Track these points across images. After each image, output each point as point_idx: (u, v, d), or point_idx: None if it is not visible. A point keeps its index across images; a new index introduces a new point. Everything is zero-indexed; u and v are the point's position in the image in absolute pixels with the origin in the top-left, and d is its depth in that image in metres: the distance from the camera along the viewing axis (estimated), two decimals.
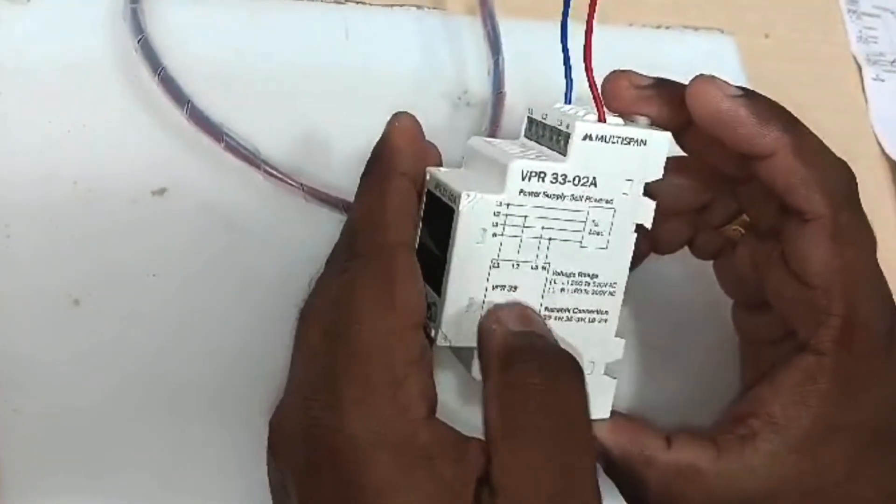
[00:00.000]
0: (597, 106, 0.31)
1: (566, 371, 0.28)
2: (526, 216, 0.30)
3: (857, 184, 0.31)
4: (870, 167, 0.49)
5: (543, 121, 0.31)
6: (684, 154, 0.34)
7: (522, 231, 0.30)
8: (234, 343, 0.34)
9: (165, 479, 0.32)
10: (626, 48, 0.40)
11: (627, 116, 0.32)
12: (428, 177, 0.31)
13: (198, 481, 0.33)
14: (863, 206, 0.32)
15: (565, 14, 0.31)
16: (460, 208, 0.29)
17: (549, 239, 0.30)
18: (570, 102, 0.32)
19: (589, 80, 0.31)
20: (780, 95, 0.32)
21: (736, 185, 0.34)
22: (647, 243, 0.36)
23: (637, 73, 0.32)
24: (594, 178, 0.30)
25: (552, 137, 0.31)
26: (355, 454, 0.26)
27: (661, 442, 0.32)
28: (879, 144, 0.51)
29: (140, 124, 0.34)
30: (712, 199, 0.35)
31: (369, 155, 0.31)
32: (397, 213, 0.29)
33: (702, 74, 0.31)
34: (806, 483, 0.31)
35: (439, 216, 0.30)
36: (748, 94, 0.30)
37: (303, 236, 0.34)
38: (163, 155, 0.34)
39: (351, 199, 0.33)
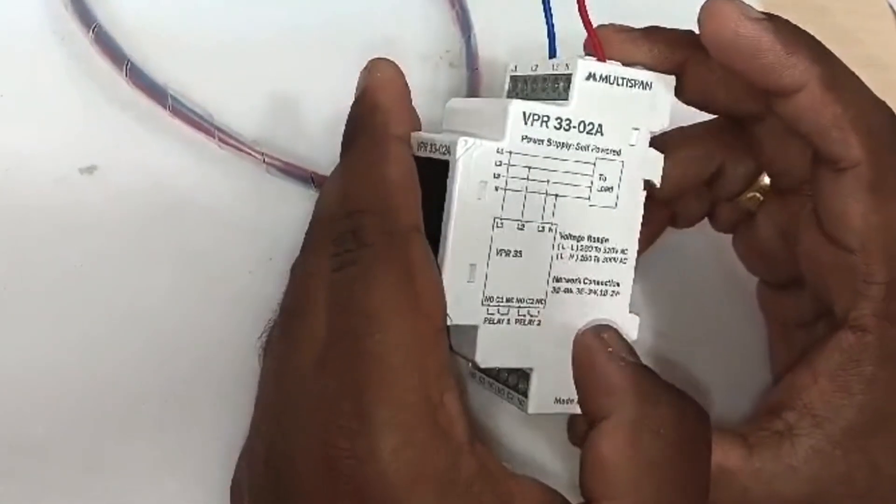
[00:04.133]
0: (594, 46, 0.28)
1: (702, 420, 0.25)
2: (529, 167, 0.26)
3: None
4: None
5: (534, 73, 0.28)
6: (681, 127, 0.31)
7: (527, 184, 0.26)
8: (181, 345, 0.29)
9: None
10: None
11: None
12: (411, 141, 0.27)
13: None
14: None
15: None
16: (457, 158, 0.25)
17: (556, 195, 0.27)
18: (555, 55, 0.28)
19: (583, 20, 0.27)
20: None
21: (750, 133, 0.30)
22: (664, 216, 0.32)
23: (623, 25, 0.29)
24: (600, 125, 0.27)
25: (547, 87, 0.28)
26: (391, 492, 0.21)
27: None
28: None
29: (65, 91, 0.29)
30: (722, 165, 0.32)
31: (349, 117, 0.27)
32: (403, 189, 0.25)
33: None
34: (858, 484, 0.27)
35: (429, 181, 0.26)
36: (773, 18, 0.27)
37: (264, 218, 0.30)
38: (91, 126, 0.29)
39: (321, 170, 0.29)
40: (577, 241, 0.27)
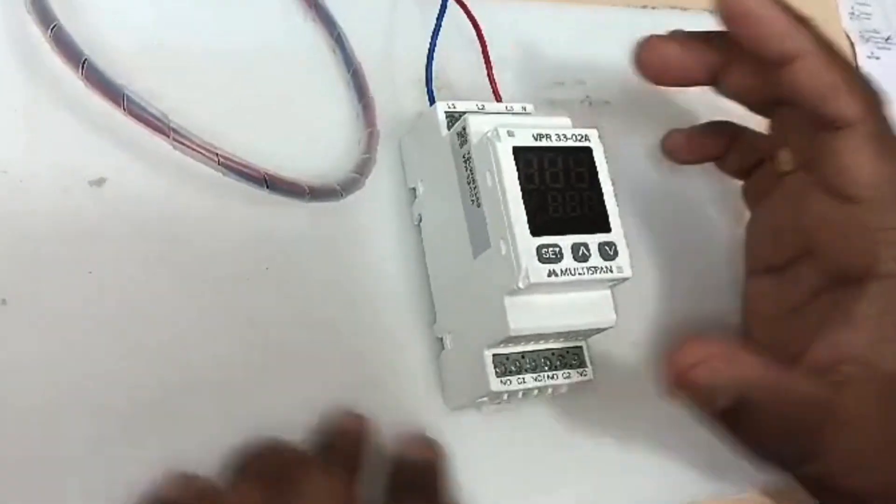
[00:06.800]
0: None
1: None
2: None
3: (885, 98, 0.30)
4: None
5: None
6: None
7: None
8: (181, 348, 0.29)
9: None
10: (611, 29, 0.39)
11: None
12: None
13: None
14: None
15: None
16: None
17: None
18: (433, 102, 0.31)
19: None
20: None
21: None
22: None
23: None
24: None
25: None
26: None
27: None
28: None
29: (76, 106, 0.30)
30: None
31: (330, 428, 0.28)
32: None
33: None
34: None
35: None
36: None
37: (261, 230, 0.31)
38: (102, 142, 0.30)
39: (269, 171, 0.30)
40: None
